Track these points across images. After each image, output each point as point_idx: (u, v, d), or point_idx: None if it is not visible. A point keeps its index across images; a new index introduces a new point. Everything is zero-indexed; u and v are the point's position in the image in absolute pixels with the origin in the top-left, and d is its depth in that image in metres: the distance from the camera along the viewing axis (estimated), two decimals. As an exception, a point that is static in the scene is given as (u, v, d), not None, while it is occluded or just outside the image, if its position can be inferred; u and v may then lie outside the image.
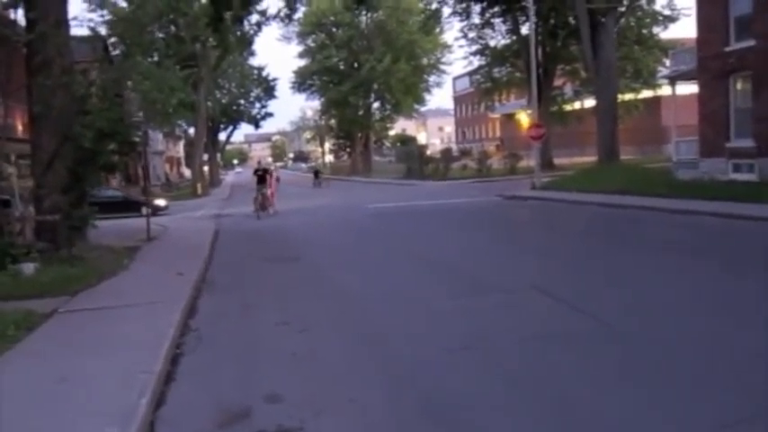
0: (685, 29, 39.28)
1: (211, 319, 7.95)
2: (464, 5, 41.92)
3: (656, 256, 10.87)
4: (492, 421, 4.48)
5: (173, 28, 40.67)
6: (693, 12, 21.96)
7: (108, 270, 10.97)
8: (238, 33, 20.81)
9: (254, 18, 29.72)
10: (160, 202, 28.84)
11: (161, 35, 40.36)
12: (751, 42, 18.78)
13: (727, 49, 19.66)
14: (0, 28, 10.72)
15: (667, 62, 37.74)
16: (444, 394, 4.99)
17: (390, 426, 4.49)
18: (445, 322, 7.06)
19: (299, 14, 50.82)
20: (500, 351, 5.94)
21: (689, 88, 24.87)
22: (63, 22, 11.50)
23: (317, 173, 49.11)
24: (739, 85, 19.91)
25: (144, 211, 27.20)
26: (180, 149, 75.84)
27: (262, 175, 23.06)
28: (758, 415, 4.30)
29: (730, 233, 12.98)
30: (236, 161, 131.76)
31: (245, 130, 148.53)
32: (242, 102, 62.50)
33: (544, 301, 7.81)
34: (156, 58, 40.54)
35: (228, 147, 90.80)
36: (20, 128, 15.82)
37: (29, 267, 10.07)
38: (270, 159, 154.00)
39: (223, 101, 59.57)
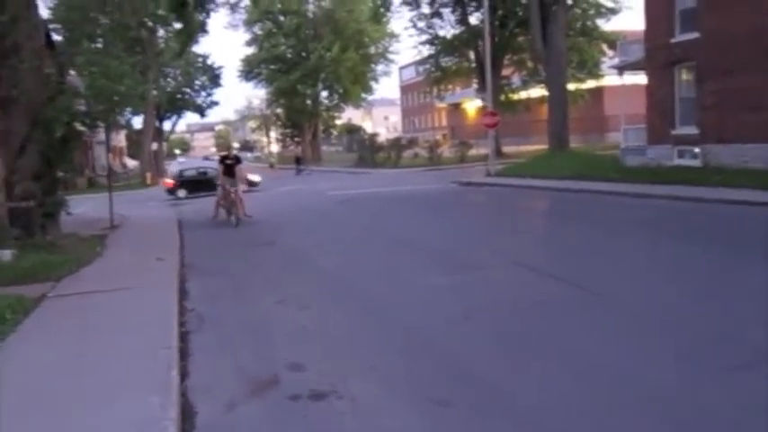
0: (627, 21, 40.70)
1: (205, 300, 8.07)
2: (414, -5, 42.32)
3: (616, 232, 11.61)
4: (504, 375, 4.87)
5: (117, 14, 39.62)
6: (636, 5, 22.90)
7: (85, 256, 10.92)
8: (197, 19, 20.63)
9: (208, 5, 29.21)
10: (254, 177, 29.26)
11: (105, 21, 39.30)
12: (695, 35, 19.75)
13: (673, 40, 20.62)
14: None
15: (610, 53, 39.20)
16: (457, 357, 5.36)
17: (416, 385, 4.80)
18: (439, 297, 7.42)
19: (245, 2, 50.45)
20: (499, 318, 6.36)
21: (632, 79, 25.94)
22: (32, 5, 11.29)
23: (298, 159, 46.30)
24: (684, 76, 20.92)
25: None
26: (122, 139, 73.82)
27: (231, 165, 16.76)
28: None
29: (679, 213, 13.80)
30: (178, 151, 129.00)
31: (187, 119, 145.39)
32: (187, 90, 61.34)
33: (526, 273, 8.31)
34: (100, 45, 39.55)
35: (171, 137, 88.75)
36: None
37: (6, 254, 9.94)
38: (213, 149, 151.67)
39: (167, 89, 58.36)
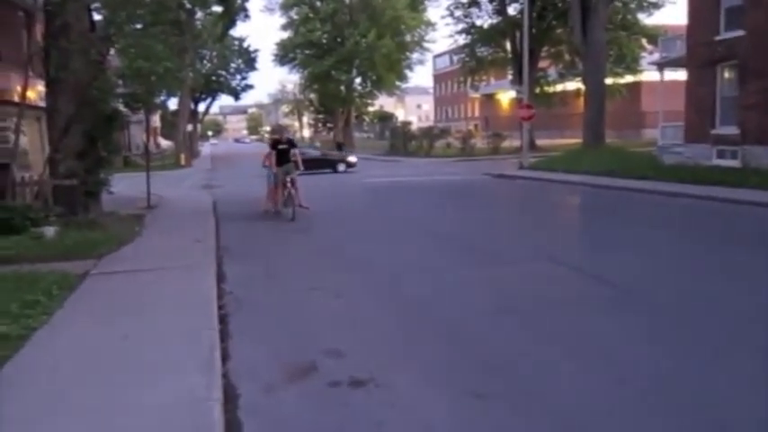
0: (669, 16, 39.81)
1: (242, 283, 8.21)
2: (452, -17, 42.06)
3: (650, 231, 11.56)
4: (537, 370, 4.92)
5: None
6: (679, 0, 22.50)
7: (124, 235, 11.18)
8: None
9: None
10: (352, 158, 31.90)
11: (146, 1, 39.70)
12: (740, 33, 19.36)
13: (717, 38, 20.24)
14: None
15: (649, 48, 38.58)
16: (491, 350, 5.42)
17: (452, 376, 4.88)
18: (473, 290, 7.48)
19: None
20: (532, 313, 6.41)
21: (672, 75, 25.54)
22: (81, -13, 11.56)
23: (339, 145, 45.99)
24: (726, 74, 20.54)
25: (340, 167, 30.36)
26: (156, 119, 74.83)
27: (285, 150, 14.50)
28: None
29: (714, 214, 13.66)
30: (210, 133, 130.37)
31: (221, 101, 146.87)
32: (222, 73, 61.90)
33: (560, 269, 8.35)
34: (139, 26, 40.04)
35: (205, 119, 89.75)
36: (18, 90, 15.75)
37: (50, 231, 10.23)
38: (245, 132, 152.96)
39: (203, 71, 58.94)
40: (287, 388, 4.79)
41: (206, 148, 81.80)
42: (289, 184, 14.08)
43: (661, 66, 24.36)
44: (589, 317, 6.22)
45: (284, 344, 5.79)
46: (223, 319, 6.56)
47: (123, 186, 21.22)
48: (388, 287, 7.85)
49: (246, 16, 20.05)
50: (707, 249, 9.68)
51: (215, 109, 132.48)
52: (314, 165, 29.15)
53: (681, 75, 23.42)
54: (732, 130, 19.85)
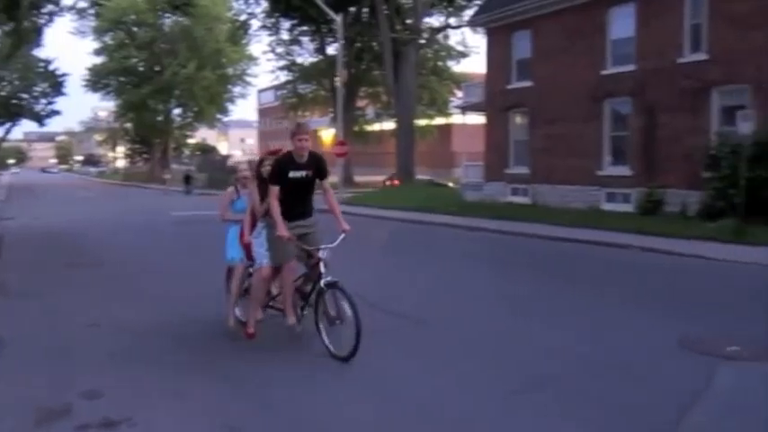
0: (476, 64, 43.14)
1: (11, 322, 7.48)
2: (273, 20, 42.38)
3: (449, 264, 12.20)
4: (311, 397, 4.93)
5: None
6: (483, 50, 24.53)
7: None
8: (32, 21, 19.18)
9: (48, 7, 27.39)
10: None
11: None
12: (528, 83, 21.44)
13: (509, 86, 22.24)
14: None
15: (459, 93, 41.50)
16: (265, 382, 5.36)
17: (217, 411, 4.76)
18: (265, 327, 7.36)
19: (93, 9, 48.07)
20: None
21: (477, 118, 27.61)
22: None
23: (188, 178, 41.30)
24: (518, 120, 22.59)
25: None
26: (-58, 144, 67.08)
27: (307, 183, 6.33)
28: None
29: (504, 245, 14.84)
30: (12, 161, 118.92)
31: (24, 127, 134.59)
32: (24, 96, 57.09)
33: (362, 307, 8.44)
34: None
35: (4, 144, 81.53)
36: None
37: None
38: (53, 161, 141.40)
39: (1, 93, 54.03)
40: (29, 435, 4.40)
41: (5, 178, 74.43)
42: (321, 263, 6.39)
43: (464, 109, 26.25)
44: (388, 353, 6.27)
45: (41, 388, 5.30)
46: (-24, 364, 5.92)
47: None
48: (172, 322, 7.51)
49: (38, 38, 18.60)
50: (498, 280, 10.35)
51: (17, 135, 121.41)
52: None
53: (484, 118, 25.35)
54: (524, 170, 21.79)
